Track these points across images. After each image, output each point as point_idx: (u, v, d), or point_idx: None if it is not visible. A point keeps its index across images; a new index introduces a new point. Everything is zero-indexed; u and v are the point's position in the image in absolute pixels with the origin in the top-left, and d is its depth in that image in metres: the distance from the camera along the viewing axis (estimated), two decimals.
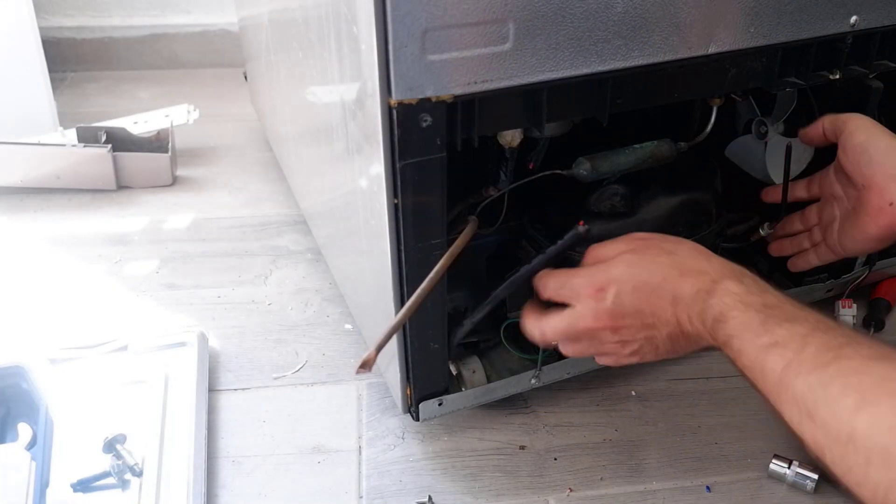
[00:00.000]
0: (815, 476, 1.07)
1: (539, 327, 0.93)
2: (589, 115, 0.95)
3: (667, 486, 1.09)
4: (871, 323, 1.33)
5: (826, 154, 1.13)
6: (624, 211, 1.07)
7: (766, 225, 1.24)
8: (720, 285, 0.83)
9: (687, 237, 0.95)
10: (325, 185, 1.22)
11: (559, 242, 0.92)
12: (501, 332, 1.11)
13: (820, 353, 0.73)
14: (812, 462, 1.07)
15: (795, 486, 1.09)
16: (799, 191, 1.18)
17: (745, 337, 0.79)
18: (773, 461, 1.09)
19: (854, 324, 1.32)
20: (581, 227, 0.90)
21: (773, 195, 1.20)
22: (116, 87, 2.19)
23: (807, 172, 1.19)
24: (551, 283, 0.92)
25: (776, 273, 1.29)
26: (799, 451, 1.09)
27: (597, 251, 0.93)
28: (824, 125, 1.08)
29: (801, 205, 1.19)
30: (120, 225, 1.62)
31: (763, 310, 0.79)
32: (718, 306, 0.82)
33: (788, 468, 1.08)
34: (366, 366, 0.88)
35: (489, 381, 1.11)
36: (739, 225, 1.29)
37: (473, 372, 1.12)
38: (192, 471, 1.06)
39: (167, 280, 1.47)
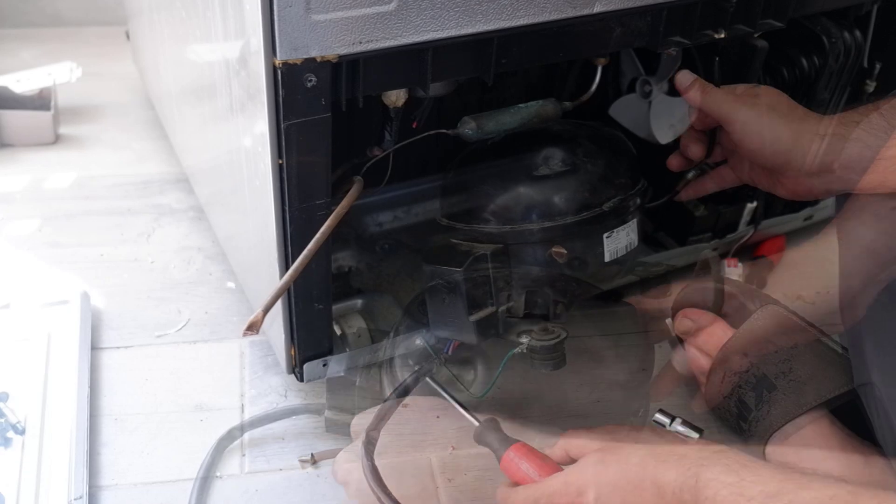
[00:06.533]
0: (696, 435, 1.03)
1: None
2: (474, 76, 0.96)
3: None
4: (754, 281, 1.35)
5: None
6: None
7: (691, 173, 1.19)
8: (706, 473, 0.74)
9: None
10: (207, 143, 1.22)
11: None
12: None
13: None
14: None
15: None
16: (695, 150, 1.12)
17: None
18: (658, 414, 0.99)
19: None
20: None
21: (678, 163, 1.15)
22: None
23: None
24: (521, 499, 0.87)
25: (661, 232, 1.32)
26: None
27: (568, 444, 0.89)
28: (709, 106, 1.04)
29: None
30: (1, 183, 1.59)
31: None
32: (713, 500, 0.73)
33: (670, 424, 1.04)
34: (252, 328, 0.88)
35: (373, 340, 1.12)
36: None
37: (358, 336, 1.13)
38: (74, 429, 1.06)
39: (50, 238, 1.45)
